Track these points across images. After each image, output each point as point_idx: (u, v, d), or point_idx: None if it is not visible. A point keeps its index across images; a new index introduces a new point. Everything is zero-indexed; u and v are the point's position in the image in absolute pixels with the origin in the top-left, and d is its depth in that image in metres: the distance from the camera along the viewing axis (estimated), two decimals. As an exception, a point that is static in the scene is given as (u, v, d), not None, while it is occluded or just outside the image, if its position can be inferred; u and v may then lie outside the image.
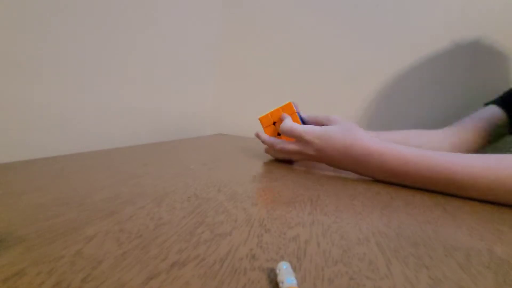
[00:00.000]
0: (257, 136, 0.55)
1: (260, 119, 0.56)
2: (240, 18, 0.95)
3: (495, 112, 0.63)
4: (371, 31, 0.85)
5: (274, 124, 0.55)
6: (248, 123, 0.98)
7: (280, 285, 0.15)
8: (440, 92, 0.81)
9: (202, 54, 0.89)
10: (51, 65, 0.43)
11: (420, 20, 0.81)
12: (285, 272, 0.16)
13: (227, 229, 0.23)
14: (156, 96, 0.69)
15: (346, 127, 0.47)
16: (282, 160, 0.56)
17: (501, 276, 0.20)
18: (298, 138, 0.48)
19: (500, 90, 0.66)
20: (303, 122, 0.54)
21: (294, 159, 0.53)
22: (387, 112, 0.86)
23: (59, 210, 0.23)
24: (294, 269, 0.18)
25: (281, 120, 0.53)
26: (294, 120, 0.53)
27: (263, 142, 0.54)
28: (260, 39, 0.94)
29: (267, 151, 0.57)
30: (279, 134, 0.55)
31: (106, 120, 0.55)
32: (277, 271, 0.16)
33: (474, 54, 0.79)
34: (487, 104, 0.66)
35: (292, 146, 0.49)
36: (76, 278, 0.15)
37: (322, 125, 0.50)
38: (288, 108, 0.54)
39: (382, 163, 0.43)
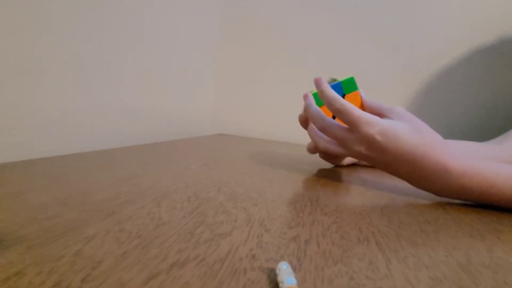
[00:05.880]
0: (304, 97, 0.43)
1: (314, 95, 0.42)
2: (240, 18, 0.95)
3: None
4: (371, 31, 0.85)
5: None
6: (248, 123, 0.98)
7: (280, 285, 0.15)
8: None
9: (202, 54, 0.89)
10: (51, 66, 0.43)
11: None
12: (285, 272, 0.16)
13: (227, 229, 0.23)
14: (156, 96, 0.69)
15: (417, 126, 0.36)
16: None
17: (501, 276, 0.20)
18: (352, 126, 0.36)
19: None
20: None
21: (331, 150, 0.40)
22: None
23: (59, 210, 0.23)
24: (294, 269, 0.18)
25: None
26: (354, 101, 0.41)
27: (304, 109, 0.41)
28: (260, 39, 0.94)
29: (301, 123, 0.46)
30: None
31: (106, 120, 0.55)
32: (277, 271, 0.16)
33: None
34: None
35: (338, 131, 0.37)
36: (76, 278, 0.15)
37: (381, 116, 0.39)
38: (350, 84, 0.42)
39: (459, 186, 0.35)
